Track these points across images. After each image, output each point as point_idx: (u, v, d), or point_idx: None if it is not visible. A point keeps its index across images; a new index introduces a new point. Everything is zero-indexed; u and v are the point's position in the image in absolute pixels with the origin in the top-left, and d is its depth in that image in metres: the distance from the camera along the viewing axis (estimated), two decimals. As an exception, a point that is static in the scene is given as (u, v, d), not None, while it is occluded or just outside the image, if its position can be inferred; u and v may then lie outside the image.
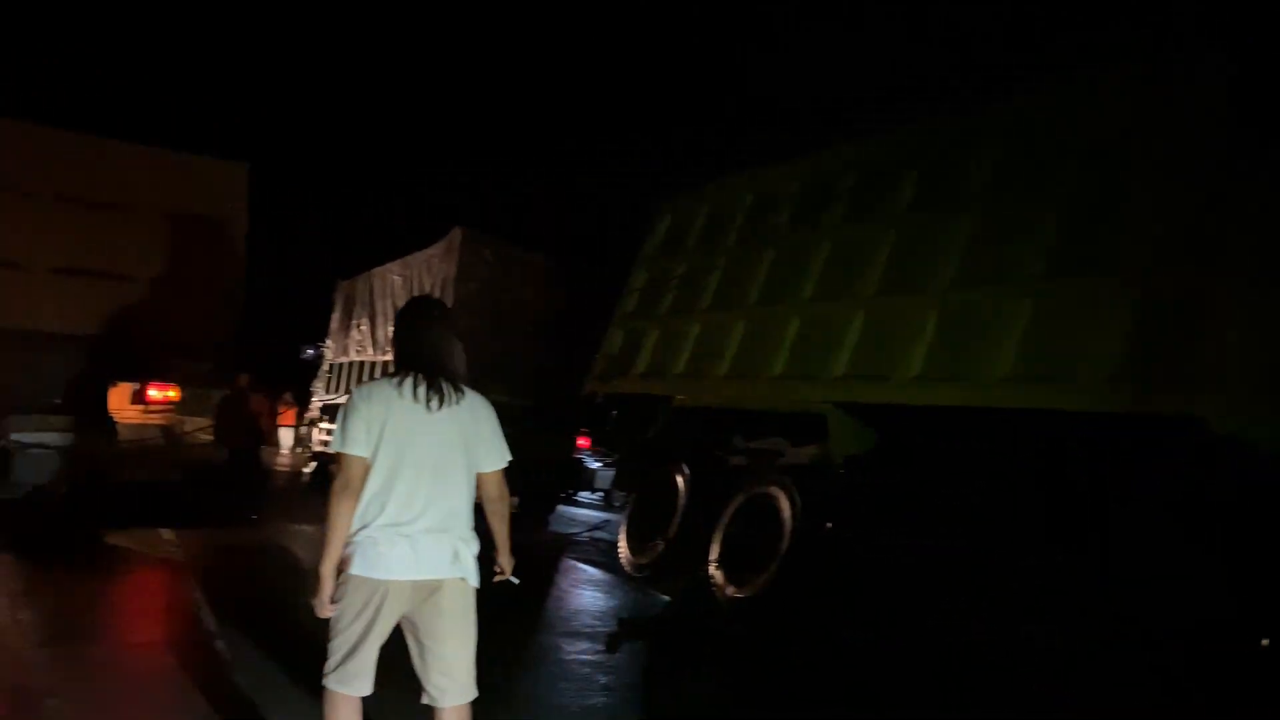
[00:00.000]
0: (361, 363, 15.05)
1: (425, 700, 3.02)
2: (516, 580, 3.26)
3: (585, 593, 7.80)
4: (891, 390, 6.17)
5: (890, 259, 6.63)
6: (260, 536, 9.12)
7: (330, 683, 2.95)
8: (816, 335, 6.96)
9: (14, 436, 8.15)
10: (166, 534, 8.69)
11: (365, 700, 3.03)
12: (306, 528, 10.00)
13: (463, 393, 3.03)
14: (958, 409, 5.75)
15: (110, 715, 4.17)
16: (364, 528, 2.89)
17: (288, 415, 19.90)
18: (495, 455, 3.11)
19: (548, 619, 6.61)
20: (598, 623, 6.65)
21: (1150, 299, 4.83)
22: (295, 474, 17.21)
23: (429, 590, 2.93)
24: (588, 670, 5.38)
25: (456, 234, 12.16)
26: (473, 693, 3.03)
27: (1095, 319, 5.02)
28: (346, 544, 2.90)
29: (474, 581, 3.03)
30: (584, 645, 5.92)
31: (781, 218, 7.92)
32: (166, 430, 9.32)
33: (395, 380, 2.97)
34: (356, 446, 2.88)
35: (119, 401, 8.97)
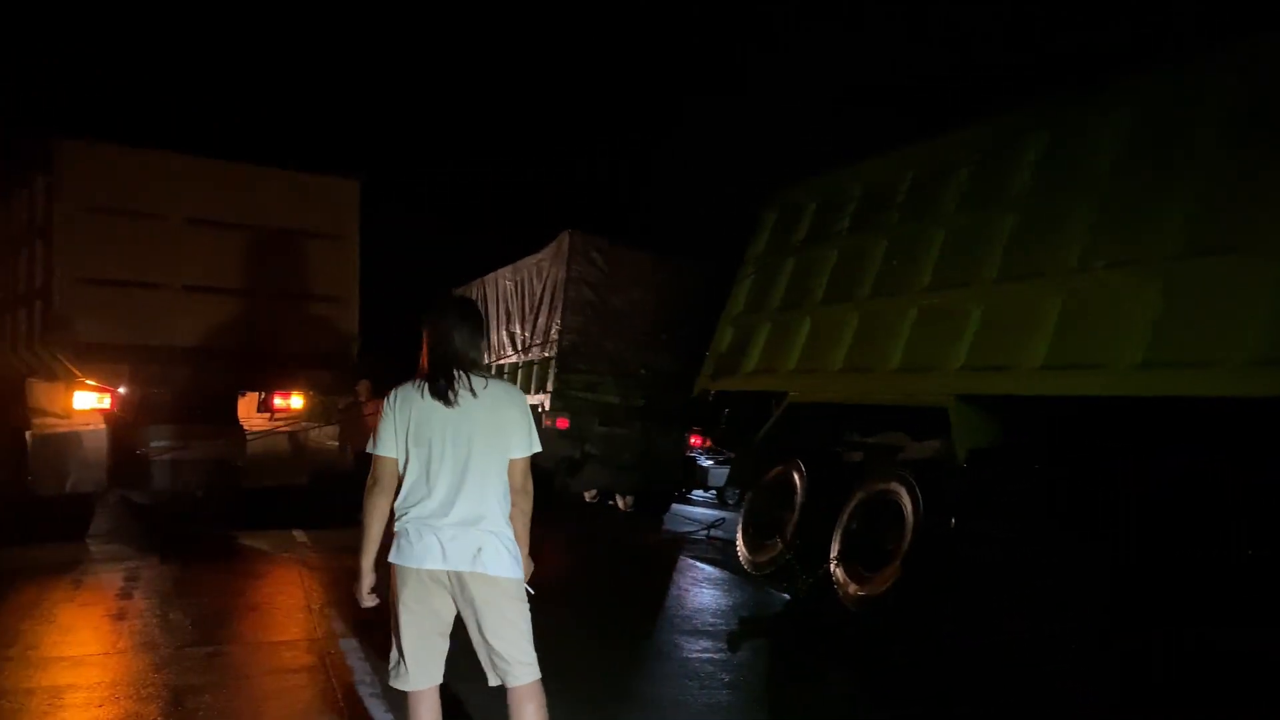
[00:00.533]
0: (477, 367, 15.37)
1: (492, 682, 3.12)
2: (532, 591, 3.17)
3: (704, 591, 7.81)
4: (1016, 381, 5.98)
5: (1010, 244, 6.43)
6: (385, 535, 9.43)
7: (391, 680, 3.14)
8: (935, 326, 6.79)
9: (153, 444, 8.60)
10: (299, 535, 9.09)
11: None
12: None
13: (484, 384, 3.07)
14: (1087, 399, 5.54)
15: (256, 713, 4.37)
16: (400, 521, 3.06)
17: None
18: (519, 443, 3.10)
19: (668, 617, 6.64)
20: (718, 621, 6.66)
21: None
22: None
23: (461, 583, 3.01)
24: (710, 669, 5.38)
25: (565, 236, 12.30)
26: (534, 673, 3.08)
27: (1237, 299, 4.76)
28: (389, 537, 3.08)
29: (505, 573, 3.03)
30: (705, 644, 5.93)
31: (893, 207, 7.76)
32: (292, 436, 9.72)
33: (419, 382, 3.08)
34: (384, 447, 3.08)
35: (247, 410, 9.40)
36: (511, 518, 3.09)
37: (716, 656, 5.65)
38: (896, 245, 7.56)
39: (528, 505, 3.16)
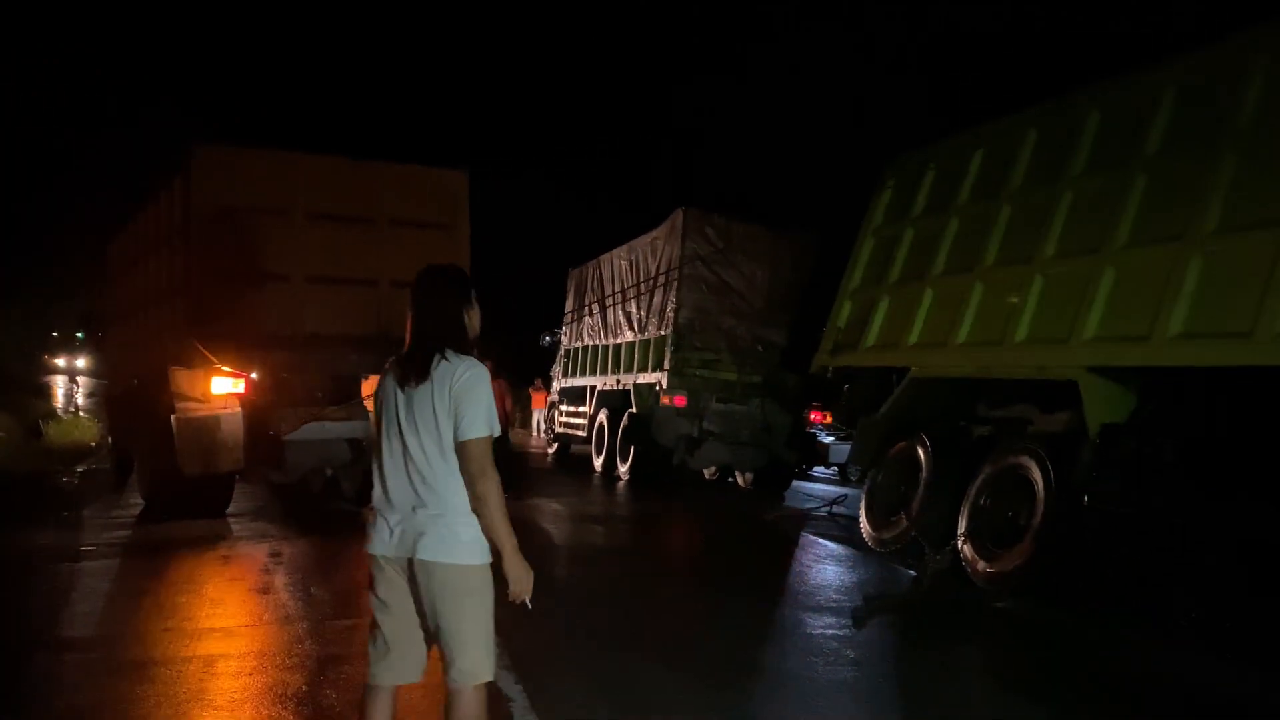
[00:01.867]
0: (594, 346, 15.56)
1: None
2: (530, 604, 2.84)
3: (827, 567, 7.75)
4: (1151, 351, 5.71)
5: (1142, 207, 6.14)
6: (515, 511, 9.67)
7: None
8: (1063, 294, 6.54)
9: (285, 426, 9.00)
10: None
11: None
12: (555, 504, 10.53)
13: (440, 362, 2.81)
14: (1230, 369, 5.24)
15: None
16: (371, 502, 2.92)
17: (538, 399, 20.99)
18: (466, 425, 2.75)
19: (791, 593, 6.62)
20: (842, 597, 6.60)
21: None
22: (544, 454, 18.12)
23: (413, 569, 2.80)
24: (835, 645, 5.34)
25: (679, 214, 12.31)
26: (477, 676, 2.80)
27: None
28: None
29: (450, 560, 2.76)
30: (829, 620, 5.89)
31: (1017, 171, 7.49)
32: None
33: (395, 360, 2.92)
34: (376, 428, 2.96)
35: (371, 391, 9.74)
36: (475, 508, 2.79)
37: (841, 633, 5.60)
38: (1020, 211, 7.31)
39: (491, 491, 2.77)
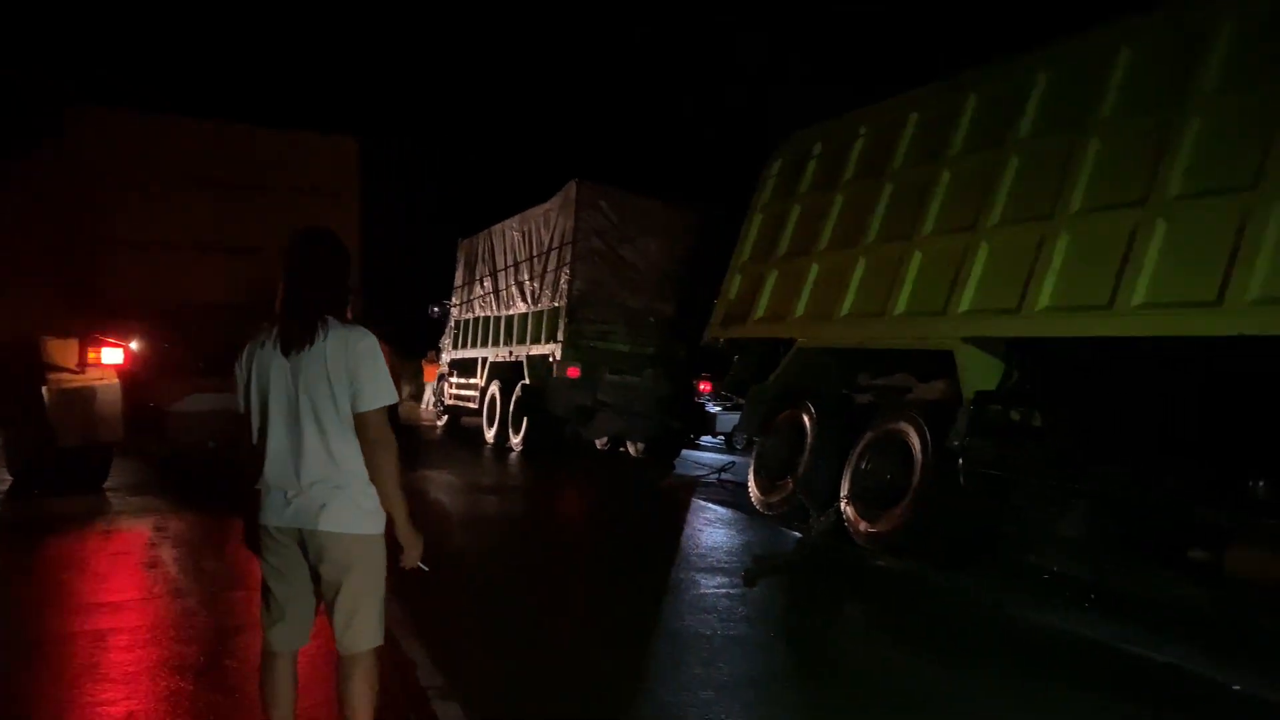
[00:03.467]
0: (485, 318, 15.50)
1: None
2: (426, 567, 2.91)
3: (718, 531, 8.00)
4: (1021, 323, 6.09)
5: (1015, 186, 6.50)
6: (407, 482, 9.62)
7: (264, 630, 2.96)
8: (940, 270, 6.89)
9: (166, 398, 8.75)
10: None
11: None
12: (447, 475, 10.52)
13: (327, 331, 2.76)
14: (1092, 339, 5.64)
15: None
16: (259, 477, 2.85)
17: (430, 372, 20.73)
18: (365, 394, 2.74)
19: (684, 556, 6.83)
20: (733, 558, 6.85)
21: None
22: (434, 427, 17.97)
23: (308, 540, 2.80)
24: (728, 603, 5.57)
25: (572, 186, 12.35)
26: (364, 643, 2.84)
27: (1240, 239, 4.84)
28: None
29: (349, 530, 2.77)
30: (721, 580, 6.12)
31: (899, 151, 7.81)
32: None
33: (270, 329, 2.85)
34: (239, 405, 2.91)
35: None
36: (372, 476, 2.80)
37: (734, 591, 5.84)
38: (901, 190, 7.63)
39: (389, 460, 2.79)
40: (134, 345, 8.59)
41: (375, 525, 2.83)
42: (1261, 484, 4.67)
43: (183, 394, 8.81)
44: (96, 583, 5.80)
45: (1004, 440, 6.18)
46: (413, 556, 2.89)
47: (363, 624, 2.84)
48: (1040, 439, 6.04)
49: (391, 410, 2.93)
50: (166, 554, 6.37)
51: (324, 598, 2.87)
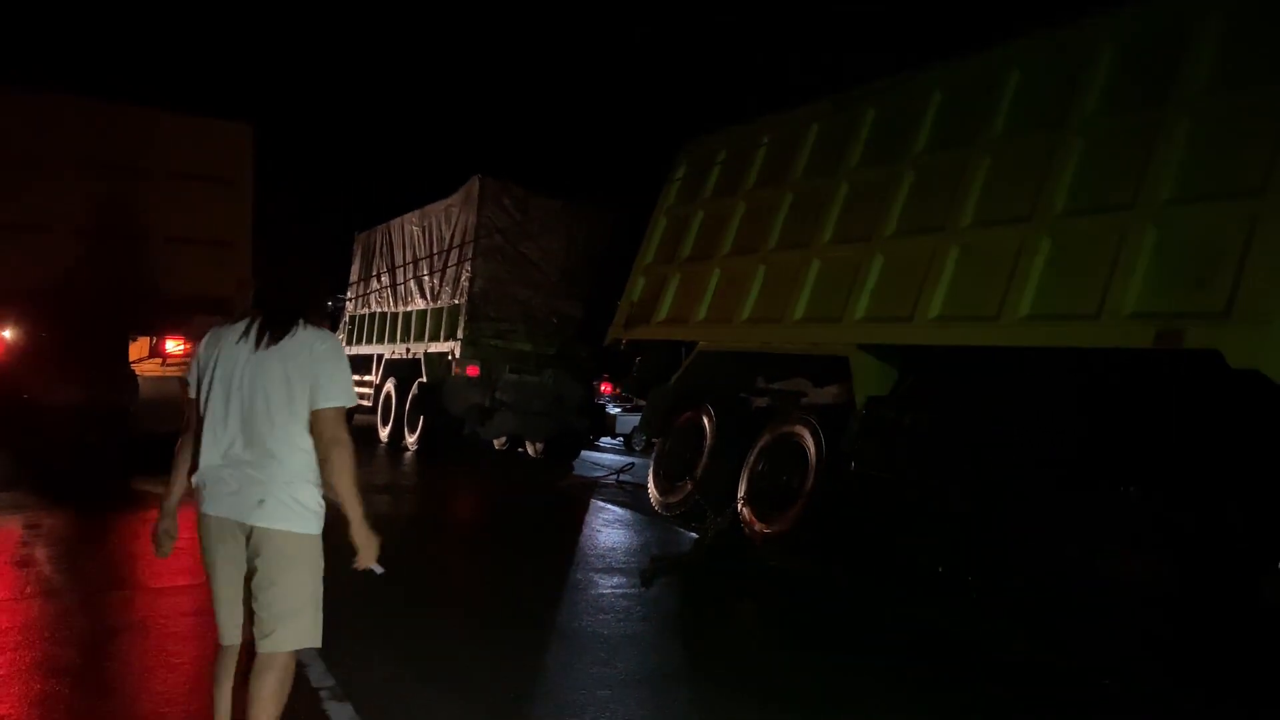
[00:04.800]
0: (382, 314, 15.22)
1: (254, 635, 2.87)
2: (380, 569, 2.86)
3: (616, 531, 8.04)
4: (912, 331, 6.29)
5: (909, 200, 6.72)
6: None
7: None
8: (837, 278, 7.06)
9: (42, 390, 8.36)
10: (197, 480, 8.97)
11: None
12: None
13: (295, 331, 2.82)
14: (980, 348, 5.87)
15: (174, 653, 4.41)
16: (199, 466, 2.83)
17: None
18: (324, 394, 2.78)
19: (581, 556, 6.85)
20: (630, 559, 6.89)
21: (1170, 233, 4.91)
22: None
23: (246, 533, 2.79)
24: (626, 603, 5.61)
25: (475, 182, 12.23)
26: (301, 642, 2.86)
27: (1116, 255, 5.10)
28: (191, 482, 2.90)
29: (286, 527, 2.77)
30: (618, 580, 6.16)
31: (799, 161, 7.98)
32: (185, 382, 9.56)
33: (238, 321, 2.90)
34: (190, 388, 2.93)
35: (138, 355, 9.21)
36: (328, 476, 2.80)
37: (630, 591, 5.88)
38: (802, 198, 7.80)
39: (346, 459, 2.78)
40: (6, 334, 8.18)
41: (315, 524, 2.84)
42: (1132, 489, 4.95)
43: (60, 387, 8.44)
44: (-38, 583, 5.50)
45: (894, 444, 6.38)
46: (368, 557, 2.83)
47: (293, 625, 2.81)
48: (928, 443, 6.24)
49: (349, 413, 2.93)
50: (40, 553, 6.08)
51: (253, 593, 2.80)
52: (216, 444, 2.80)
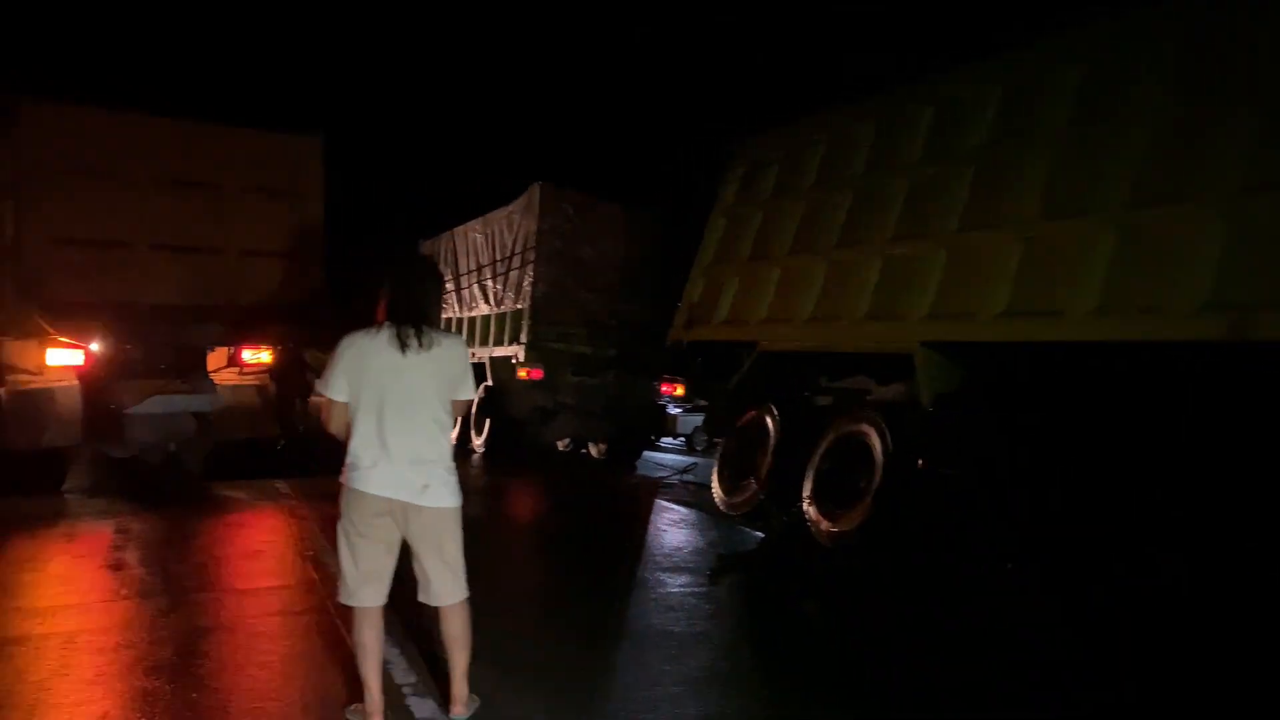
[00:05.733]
0: (447, 319, 15.47)
1: (420, 598, 3.58)
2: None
3: (681, 531, 8.12)
4: (977, 328, 6.26)
5: (971, 195, 6.68)
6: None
7: (340, 597, 3.53)
8: (899, 275, 7.05)
9: (126, 399, 8.69)
10: (280, 485, 9.28)
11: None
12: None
13: (435, 336, 3.47)
14: (1047, 344, 5.83)
15: (265, 652, 4.59)
16: (355, 454, 3.41)
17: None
18: (462, 389, 3.57)
19: (648, 555, 6.93)
20: (696, 558, 6.96)
21: (1241, 222, 4.84)
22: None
23: (409, 511, 3.41)
24: (694, 602, 5.68)
25: (535, 189, 12.39)
26: (460, 595, 3.55)
27: (1185, 247, 5.04)
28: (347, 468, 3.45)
29: (446, 504, 3.48)
30: (686, 579, 6.23)
31: (858, 158, 7.96)
32: (261, 389, 9.85)
33: (376, 331, 3.44)
34: (335, 391, 3.44)
35: (216, 365, 9.51)
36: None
37: (698, 590, 5.95)
38: (862, 196, 7.78)
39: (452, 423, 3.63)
40: (94, 347, 8.51)
41: (460, 498, 3.56)
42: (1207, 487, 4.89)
43: (143, 396, 8.76)
44: (60, 585, 5.77)
45: (961, 441, 6.35)
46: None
47: (461, 579, 3.56)
48: (995, 440, 6.22)
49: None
50: (131, 556, 6.35)
51: (422, 562, 3.50)
52: (378, 437, 3.36)
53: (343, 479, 3.46)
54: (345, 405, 3.44)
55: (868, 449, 6.94)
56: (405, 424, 3.38)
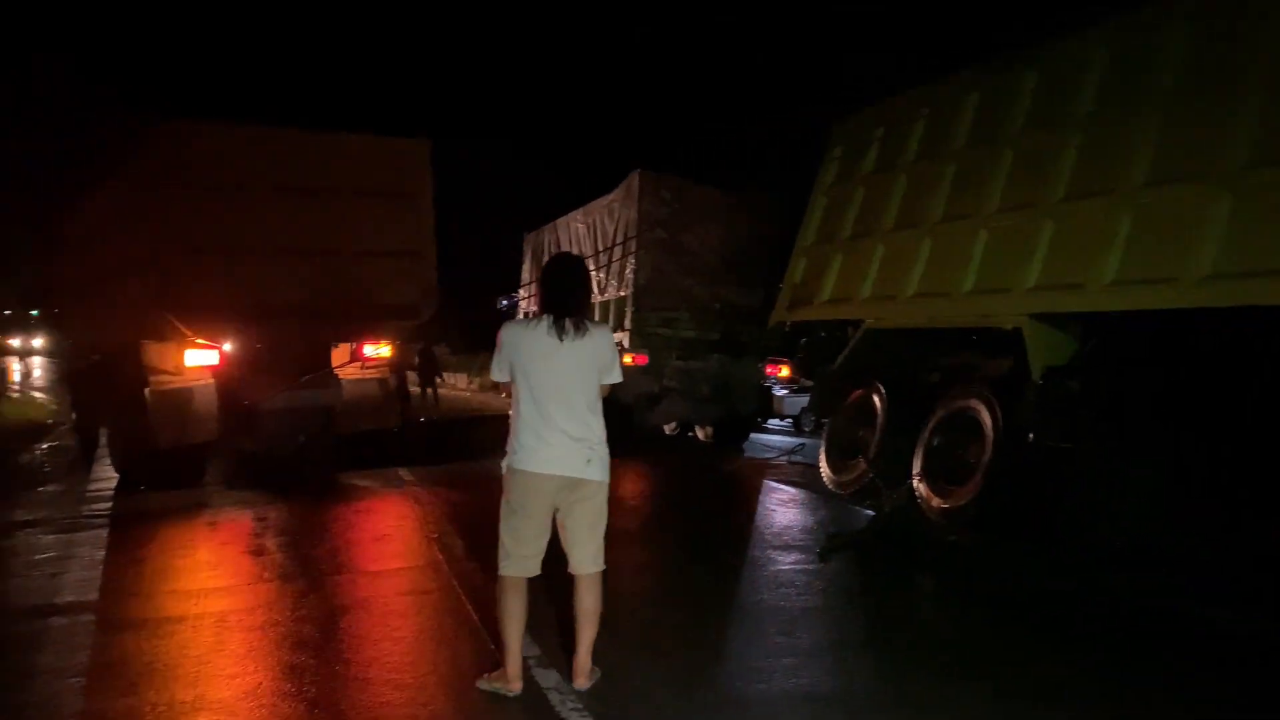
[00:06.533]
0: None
1: (570, 569, 3.83)
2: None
3: (790, 510, 8.19)
4: (1087, 298, 6.14)
5: (1077, 163, 6.54)
6: (486, 471, 9.94)
7: (501, 569, 3.78)
8: (1006, 247, 6.95)
9: (258, 396, 9.17)
10: (404, 473, 9.70)
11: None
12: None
13: (587, 325, 3.75)
14: (1159, 312, 5.70)
15: (401, 628, 4.86)
16: (518, 434, 3.71)
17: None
18: (611, 373, 3.86)
19: (758, 534, 7.04)
20: (807, 536, 7.04)
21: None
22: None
23: (568, 486, 3.70)
24: (805, 578, 5.77)
25: (635, 177, 12.54)
26: (599, 565, 3.82)
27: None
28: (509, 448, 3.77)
29: (603, 478, 3.77)
30: (797, 556, 6.32)
31: (960, 130, 7.86)
32: (382, 382, 10.27)
33: (534, 321, 3.75)
34: (499, 375, 3.83)
35: (339, 360, 9.95)
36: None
37: (808, 567, 6.03)
38: (965, 168, 7.68)
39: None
40: (226, 347, 9.02)
41: (609, 474, 3.83)
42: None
43: (273, 392, 9.24)
44: (208, 570, 6.21)
45: (1073, 415, 6.25)
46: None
47: (600, 551, 3.83)
48: (1108, 412, 6.10)
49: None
50: (270, 542, 6.77)
51: (573, 533, 3.77)
52: (542, 416, 3.66)
53: (504, 461, 3.77)
54: (509, 385, 3.80)
55: (978, 424, 6.90)
56: (564, 406, 3.66)
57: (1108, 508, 6.01)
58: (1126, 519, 5.87)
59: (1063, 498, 6.32)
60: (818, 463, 9.17)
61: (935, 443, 7.33)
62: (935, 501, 7.09)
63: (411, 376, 17.44)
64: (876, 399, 8.28)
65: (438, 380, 19.68)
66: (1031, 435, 6.36)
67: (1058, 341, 6.53)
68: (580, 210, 14.62)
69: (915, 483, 7.32)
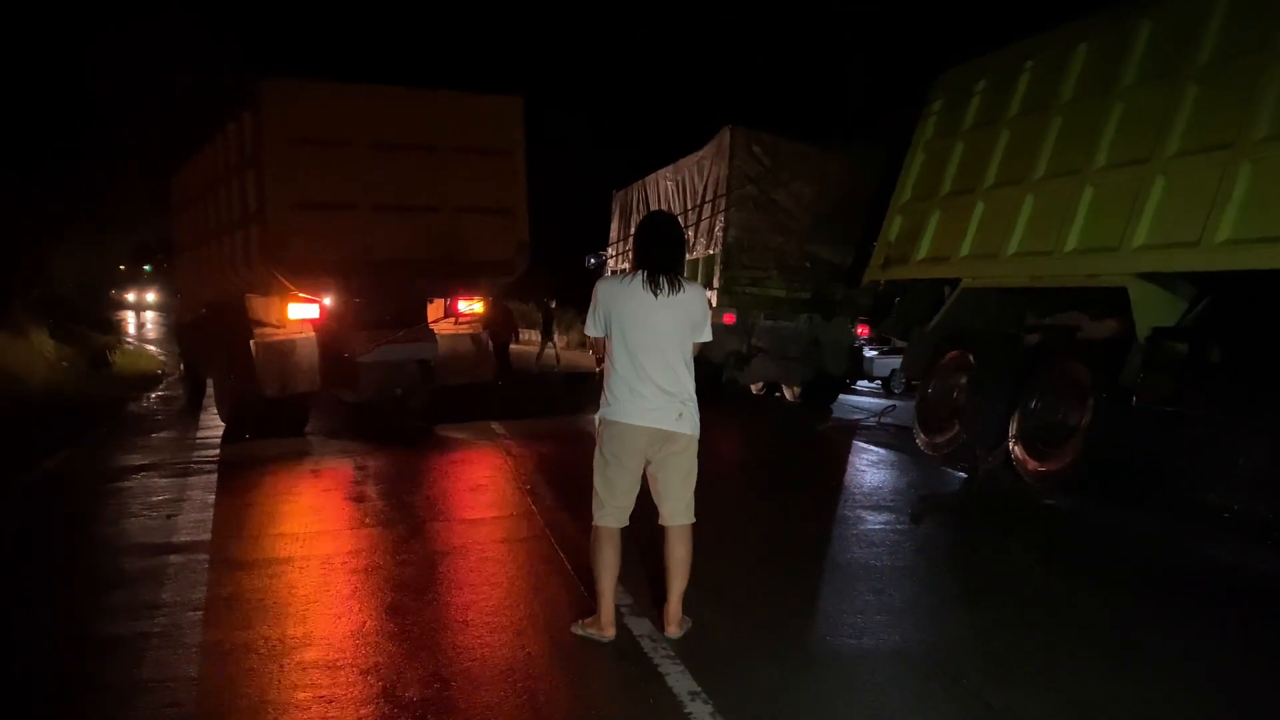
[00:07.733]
0: (642, 267, 15.80)
1: (660, 521, 3.89)
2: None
3: (881, 471, 8.13)
4: (1200, 257, 5.89)
5: (1193, 116, 6.26)
6: (578, 427, 10.10)
7: (596, 519, 3.87)
8: (1113, 204, 6.71)
9: (357, 348, 9.42)
10: (496, 426, 9.91)
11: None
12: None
13: (681, 283, 3.79)
14: (1275, 272, 5.44)
15: (495, 573, 5.00)
16: (612, 386, 3.78)
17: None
18: (702, 331, 3.88)
19: (849, 494, 7.01)
20: (899, 497, 6.98)
21: None
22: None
23: (660, 438, 3.76)
24: (896, 538, 5.74)
25: (725, 133, 12.43)
26: (690, 517, 3.88)
27: None
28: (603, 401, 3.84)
29: (694, 432, 3.82)
30: (888, 516, 6.28)
31: (1067, 84, 7.58)
32: (475, 337, 10.46)
33: (629, 277, 3.80)
34: (595, 329, 3.87)
35: (435, 315, 10.15)
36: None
37: (900, 528, 5.99)
38: (1070, 123, 7.42)
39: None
40: (327, 301, 9.29)
41: (699, 429, 3.87)
42: None
43: (372, 345, 9.50)
44: (312, 514, 6.47)
45: (1181, 377, 6.04)
46: None
47: (691, 503, 3.89)
48: (1219, 376, 5.87)
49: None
50: (370, 490, 7.01)
51: (664, 485, 3.83)
52: (636, 370, 3.72)
53: (598, 413, 3.86)
54: (603, 340, 3.87)
55: (1078, 386, 6.72)
56: (657, 360, 3.71)
57: (1217, 475, 5.82)
58: (1238, 487, 5.68)
59: (1168, 464, 6.14)
60: (909, 424, 9.05)
61: (1033, 405, 7.17)
62: (1032, 465, 6.95)
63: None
64: (973, 360, 8.12)
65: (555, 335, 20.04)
66: (1135, 398, 6.17)
67: (1165, 302, 6.30)
68: (669, 167, 14.57)
69: (1011, 445, 7.19)
